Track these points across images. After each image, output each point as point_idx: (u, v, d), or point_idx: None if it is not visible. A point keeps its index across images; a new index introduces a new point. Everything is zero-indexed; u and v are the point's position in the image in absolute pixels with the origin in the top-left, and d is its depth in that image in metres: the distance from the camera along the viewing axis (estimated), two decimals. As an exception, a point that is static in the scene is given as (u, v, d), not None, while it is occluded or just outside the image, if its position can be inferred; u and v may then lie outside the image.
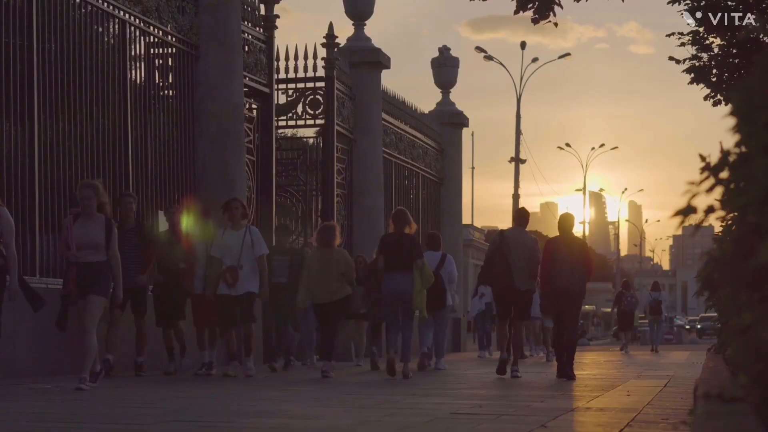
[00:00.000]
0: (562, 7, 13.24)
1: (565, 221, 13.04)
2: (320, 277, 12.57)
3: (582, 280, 12.60)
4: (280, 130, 20.46)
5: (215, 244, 12.44)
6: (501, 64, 42.96)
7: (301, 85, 20.43)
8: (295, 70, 20.20)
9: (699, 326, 55.95)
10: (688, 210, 2.76)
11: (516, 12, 13.50)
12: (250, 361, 12.50)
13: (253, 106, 17.90)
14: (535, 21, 13.40)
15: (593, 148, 65.43)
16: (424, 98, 31.93)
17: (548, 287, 12.65)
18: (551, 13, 13.27)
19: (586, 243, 14.14)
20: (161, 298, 13.00)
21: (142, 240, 12.51)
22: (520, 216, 13.32)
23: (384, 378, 12.42)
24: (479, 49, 42.27)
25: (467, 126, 29.28)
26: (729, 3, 13.68)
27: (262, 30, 17.95)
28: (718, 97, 14.92)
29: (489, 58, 42.44)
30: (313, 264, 12.69)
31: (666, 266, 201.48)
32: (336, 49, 20.59)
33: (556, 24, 13.34)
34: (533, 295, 13.42)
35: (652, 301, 27.12)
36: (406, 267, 12.37)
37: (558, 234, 12.92)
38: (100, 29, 14.01)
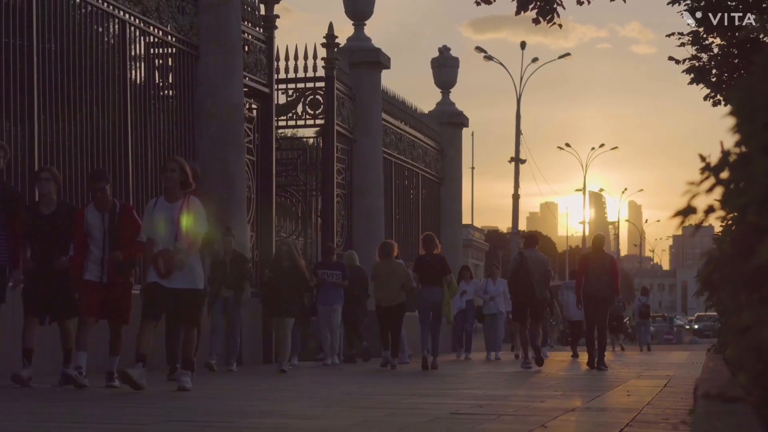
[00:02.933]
0: (564, 8, 13.24)
1: (597, 241, 16.21)
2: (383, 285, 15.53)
3: (610, 288, 15.28)
4: (280, 130, 20.48)
5: (144, 222, 9.84)
6: (501, 64, 42.99)
7: (301, 85, 20.43)
8: (295, 70, 20.22)
9: (696, 326, 55.84)
10: (688, 210, 2.76)
11: (517, 13, 13.51)
12: (187, 374, 9.60)
13: (253, 106, 17.90)
14: (536, 21, 13.40)
15: (593, 148, 65.51)
16: (424, 98, 31.98)
17: (581, 294, 15.35)
18: (555, 14, 13.27)
19: (614, 259, 16.64)
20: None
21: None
22: (532, 238, 16.40)
23: (383, 378, 12.43)
24: (479, 49, 42.27)
25: (467, 126, 29.28)
26: (729, 3, 13.68)
27: (262, 30, 17.95)
28: (718, 97, 14.91)
29: (489, 58, 42.44)
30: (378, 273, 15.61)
31: (666, 266, 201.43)
32: (336, 49, 20.59)
33: (560, 25, 13.36)
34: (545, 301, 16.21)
35: (641, 305, 27.48)
36: (438, 282, 15.24)
37: (591, 251, 16.05)
38: (100, 29, 14.02)
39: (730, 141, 2.75)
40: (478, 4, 13.58)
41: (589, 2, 13.81)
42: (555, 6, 13.21)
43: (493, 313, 20.82)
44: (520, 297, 15.39)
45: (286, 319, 13.91)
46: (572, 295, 22.65)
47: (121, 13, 14.21)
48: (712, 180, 2.78)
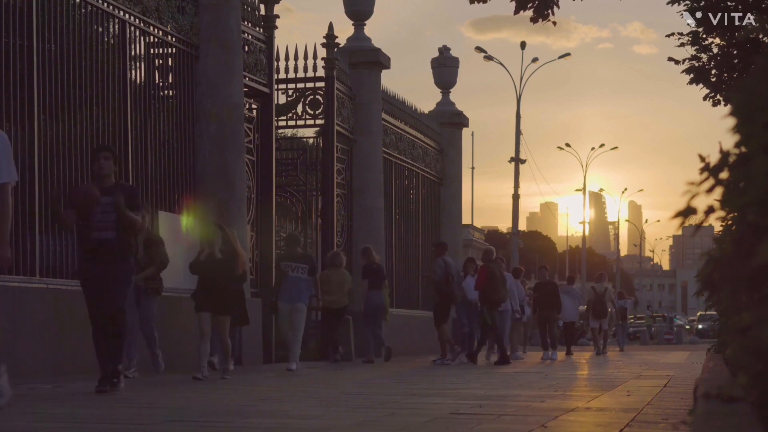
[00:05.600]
0: (559, 7, 13.22)
1: (488, 254, 18.79)
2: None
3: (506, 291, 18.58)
4: (280, 130, 20.48)
5: None
6: (501, 64, 42.98)
7: (301, 85, 20.43)
8: (295, 70, 20.21)
9: (700, 326, 55.83)
10: (688, 211, 2.76)
11: (516, 12, 13.49)
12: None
13: (253, 106, 17.90)
14: (533, 20, 13.39)
15: (593, 148, 65.51)
16: (424, 98, 31.99)
17: (485, 299, 17.90)
18: (550, 12, 13.26)
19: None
20: None
21: None
22: (442, 246, 19.05)
23: (383, 378, 12.43)
24: (479, 49, 42.27)
25: (467, 126, 29.27)
26: (729, 3, 13.68)
27: (262, 30, 17.95)
28: (718, 97, 14.91)
29: (489, 58, 42.43)
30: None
31: (666, 266, 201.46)
32: (336, 49, 20.59)
33: (554, 23, 13.33)
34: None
35: (619, 308, 28.02)
36: (381, 287, 17.74)
37: (489, 263, 18.30)
38: (100, 29, 14.01)
39: (729, 141, 2.75)
40: (472, 2, 13.57)
41: None
42: (551, 4, 13.20)
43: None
44: (449, 300, 18.32)
45: (219, 317, 12.02)
46: (567, 298, 23.26)
47: (121, 13, 14.21)
48: (711, 180, 2.78)
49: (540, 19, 13.25)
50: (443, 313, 18.44)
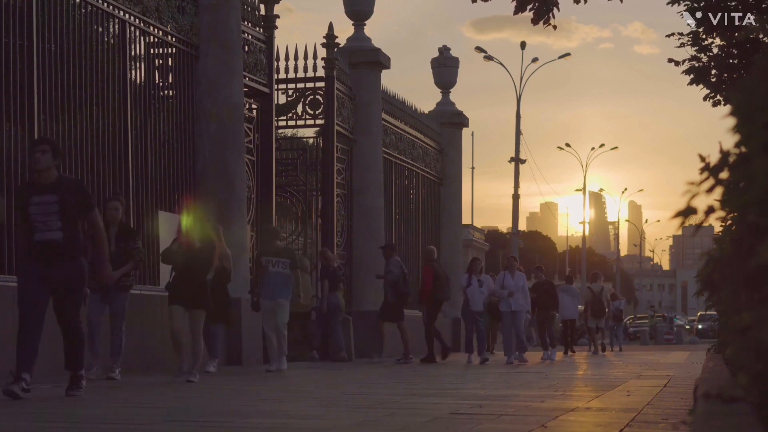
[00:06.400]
0: (559, 10, 13.23)
1: (429, 253, 19.58)
2: None
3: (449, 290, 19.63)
4: (280, 130, 20.48)
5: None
6: (501, 64, 42.99)
7: (301, 85, 20.44)
8: (295, 70, 20.22)
9: (700, 326, 55.84)
10: (688, 211, 2.76)
11: (515, 12, 13.49)
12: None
13: (253, 106, 17.90)
14: (534, 22, 13.40)
15: (593, 148, 65.52)
16: (424, 98, 32.00)
17: (426, 297, 18.81)
18: (551, 16, 13.26)
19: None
20: None
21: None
22: (390, 247, 19.55)
23: (383, 378, 12.43)
24: (479, 49, 42.28)
25: (467, 126, 29.27)
26: (729, 3, 13.68)
27: (262, 30, 17.95)
28: (718, 97, 14.91)
29: (489, 58, 42.44)
30: None
31: (666, 266, 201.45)
32: (336, 49, 20.59)
33: (554, 27, 13.35)
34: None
35: (614, 310, 28.01)
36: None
37: (432, 261, 19.20)
38: (100, 29, 14.02)
39: (730, 141, 2.75)
40: (474, 1, 13.58)
41: (585, 1, 13.81)
42: (551, 7, 13.20)
43: (513, 311, 18.58)
44: (404, 299, 18.87)
45: (194, 311, 11.28)
46: (566, 297, 23.41)
47: (121, 13, 14.21)
48: (711, 180, 2.78)
49: (540, 22, 13.26)
50: (400, 311, 18.69)
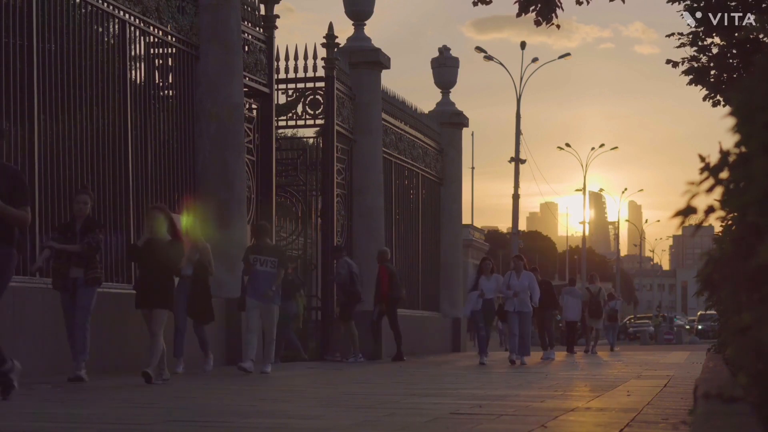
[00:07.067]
0: (563, 10, 13.24)
1: (386, 254, 19.67)
2: None
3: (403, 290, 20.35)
4: (280, 130, 20.48)
5: None
6: (501, 64, 42.98)
7: (301, 85, 20.43)
8: (295, 70, 20.21)
9: (700, 327, 55.87)
10: (688, 210, 2.76)
11: (519, 14, 13.52)
12: None
13: (253, 106, 17.90)
14: (537, 23, 13.42)
15: (593, 148, 65.49)
16: (424, 98, 32.00)
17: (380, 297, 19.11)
18: (554, 15, 13.27)
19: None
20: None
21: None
22: (338, 248, 19.71)
23: (383, 378, 12.43)
24: (479, 49, 42.28)
25: (467, 126, 29.27)
26: (729, 3, 13.68)
27: (262, 30, 17.95)
28: (718, 97, 14.91)
29: (489, 58, 42.44)
30: None
31: (666, 266, 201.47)
32: (336, 49, 20.59)
33: (558, 26, 13.36)
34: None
35: (609, 310, 27.99)
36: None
37: (386, 262, 19.51)
38: (100, 29, 14.02)
39: (730, 141, 2.75)
40: (475, 4, 13.58)
41: (588, 2, 13.82)
42: (554, 8, 13.21)
43: (519, 311, 18.14)
44: (355, 299, 18.78)
45: (155, 310, 10.85)
46: (570, 299, 23.55)
47: (121, 13, 14.21)
48: (711, 180, 2.78)
49: (544, 22, 13.26)
50: (347, 311, 18.71)
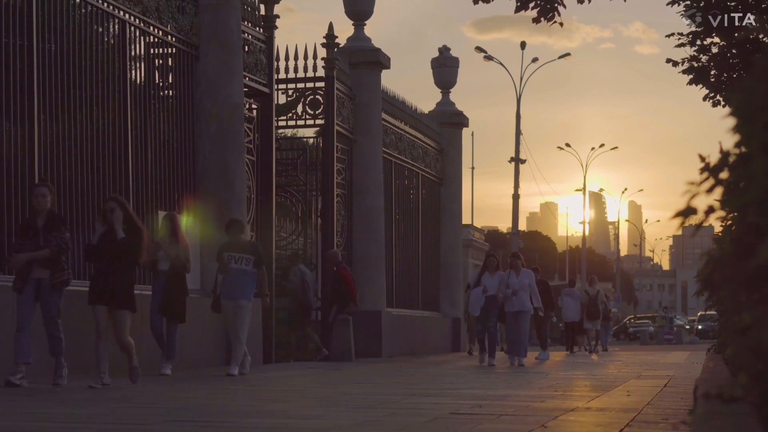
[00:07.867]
0: (565, 7, 13.20)
1: (332, 256, 19.31)
2: None
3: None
4: (280, 130, 20.47)
5: None
6: (501, 64, 42.99)
7: (301, 85, 20.43)
8: (295, 70, 20.21)
9: (700, 327, 55.88)
10: (688, 211, 2.77)
11: (517, 11, 13.46)
12: None
13: (253, 106, 17.90)
14: (536, 21, 13.37)
15: (593, 148, 65.49)
16: (424, 98, 31.99)
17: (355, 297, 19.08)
18: (556, 13, 13.23)
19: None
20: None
21: None
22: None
23: (383, 378, 12.42)
24: (479, 49, 42.28)
25: (467, 126, 29.26)
26: (729, 3, 13.67)
27: (262, 30, 17.95)
28: (718, 97, 14.91)
29: (489, 58, 42.44)
30: None
31: (666, 266, 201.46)
32: (336, 49, 20.59)
33: (561, 24, 13.31)
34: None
35: (603, 309, 28.03)
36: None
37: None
38: (100, 29, 14.01)
39: (730, 141, 2.75)
40: (475, 2, 13.55)
41: (589, 1, 13.79)
42: (556, 5, 13.17)
43: (517, 311, 17.62)
44: (306, 308, 18.79)
45: (116, 312, 10.40)
46: (569, 300, 23.63)
47: (121, 13, 14.21)
48: (711, 180, 2.78)
49: (544, 20, 13.22)
50: (302, 317, 18.76)
